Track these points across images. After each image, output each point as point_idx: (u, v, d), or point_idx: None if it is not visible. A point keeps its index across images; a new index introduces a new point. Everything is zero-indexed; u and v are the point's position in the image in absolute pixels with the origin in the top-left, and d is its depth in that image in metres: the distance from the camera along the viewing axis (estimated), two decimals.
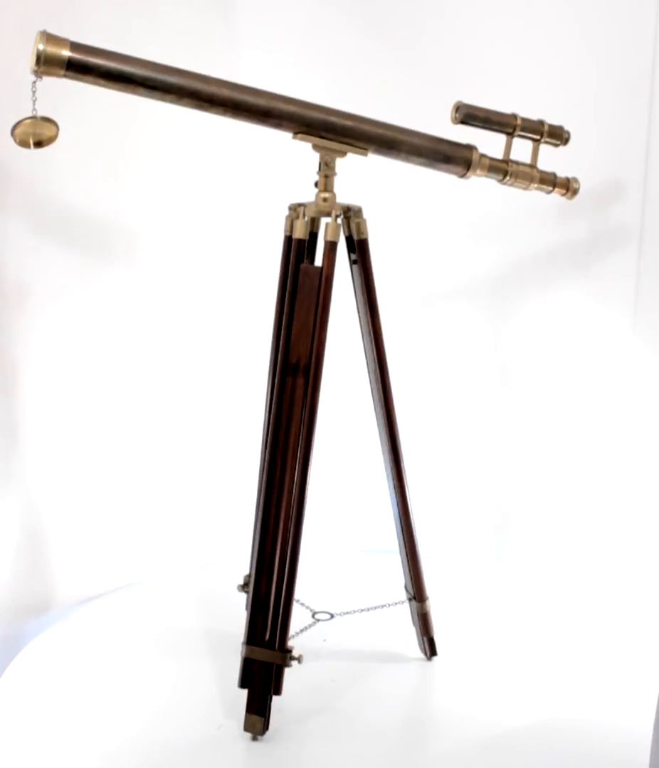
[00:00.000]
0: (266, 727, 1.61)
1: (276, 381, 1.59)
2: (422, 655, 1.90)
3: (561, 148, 1.67)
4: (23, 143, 1.41)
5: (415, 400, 2.29)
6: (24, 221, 1.86)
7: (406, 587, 1.88)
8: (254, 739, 1.61)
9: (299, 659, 1.61)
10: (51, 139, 1.42)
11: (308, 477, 1.59)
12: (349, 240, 1.64)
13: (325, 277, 1.55)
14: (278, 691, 1.61)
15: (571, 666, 1.85)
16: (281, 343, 1.59)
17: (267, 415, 1.76)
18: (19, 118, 1.40)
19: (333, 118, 1.53)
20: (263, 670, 1.61)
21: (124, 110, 1.73)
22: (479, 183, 1.72)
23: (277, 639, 1.60)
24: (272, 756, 1.58)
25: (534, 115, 1.65)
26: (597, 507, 2.12)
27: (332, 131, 1.53)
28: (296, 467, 1.58)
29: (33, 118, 1.40)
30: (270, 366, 1.74)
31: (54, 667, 1.86)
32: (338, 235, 1.57)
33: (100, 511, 2.15)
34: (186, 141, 2.05)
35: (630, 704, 1.70)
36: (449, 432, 2.35)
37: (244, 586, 1.88)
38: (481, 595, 2.20)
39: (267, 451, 1.60)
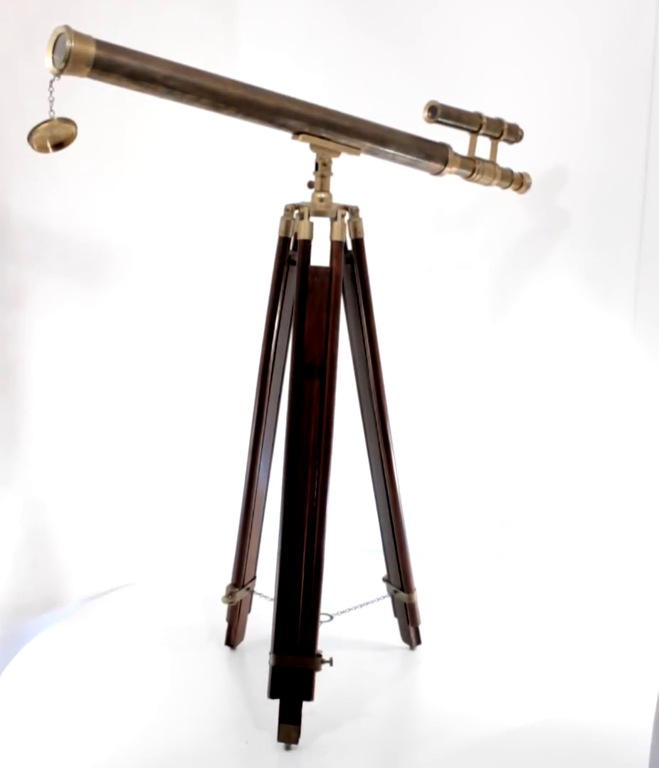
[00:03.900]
0: (298, 735, 1.59)
1: (290, 383, 1.57)
2: (414, 648, 1.93)
3: (560, 147, 1.74)
4: (42, 148, 1.33)
5: (414, 400, 2.31)
6: (23, 221, 1.81)
7: (388, 580, 1.90)
8: (288, 748, 1.58)
9: (330, 662, 1.60)
10: (71, 138, 1.34)
11: (329, 479, 1.58)
12: None
13: (335, 277, 1.56)
14: (310, 697, 1.59)
15: (571, 665, 1.86)
16: (292, 344, 1.57)
17: (256, 417, 1.73)
18: (36, 124, 1.31)
19: (334, 118, 1.55)
20: (294, 677, 1.58)
21: (121, 112, 1.68)
22: (452, 183, 1.77)
23: (307, 644, 1.59)
24: (299, 765, 1.55)
25: (534, 116, 1.72)
26: (597, 507, 2.14)
27: (333, 131, 1.54)
28: (318, 470, 1.57)
29: (49, 121, 1.32)
30: (261, 368, 1.71)
31: (54, 666, 1.81)
32: (344, 234, 1.58)
33: (101, 511, 2.13)
34: (180, 143, 2.05)
35: (630, 704, 1.69)
36: (449, 431, 2.36)
37: (228, 597, 1.84)
38: (481, 593, 2.22)
39: (286, 455, 1.58)
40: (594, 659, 1.88)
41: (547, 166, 1.87)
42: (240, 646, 1.91)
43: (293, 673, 1.58)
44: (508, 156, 1.79)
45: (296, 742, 1.58)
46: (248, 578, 1.86)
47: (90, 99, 1.35)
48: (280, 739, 1.58)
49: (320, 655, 1.59)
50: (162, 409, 2.22)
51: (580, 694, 1.74)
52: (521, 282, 2.17)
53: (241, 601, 1.86)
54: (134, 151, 1.97)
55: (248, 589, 1.87)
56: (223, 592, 1.84)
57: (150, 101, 1.46)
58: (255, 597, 1.91)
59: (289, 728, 1.58)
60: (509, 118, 1.73)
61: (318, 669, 1.59)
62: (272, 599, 1.82)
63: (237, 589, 1.84)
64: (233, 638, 1.90)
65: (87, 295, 1.98)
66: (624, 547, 2.08)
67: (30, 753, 1.52)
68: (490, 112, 1.71)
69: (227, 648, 1.90)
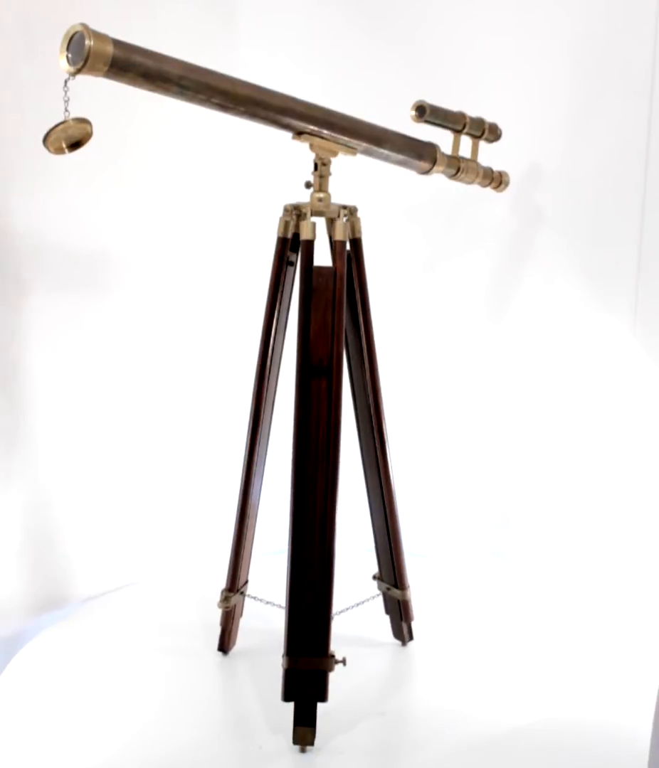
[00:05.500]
0: (314, 737, 1.58)
1: (297, 384, 1.56)
2: (406, 644, 1.94)
3: (559, 147, 1.76)
4: (58, 150, 1.30)
5: (412, 399, 2.31)
6: (24, 221, 1.81)
7: (379, 578, 1.91)
8: (303, 750, 1.57)
9: (343, 662, 1.60)
10: (87, 137, 1.31)
11: (338, 479, 1.58)
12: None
13: (339, 277, 1.56)
14: (324, 698, 1.59)
15: (571, 664, 1.85)
16: (298, 345, 1.56)
17: (252, 421, 1.72)
18: (51, 126, 1.28)
19: (334, 119, 1.56)
20: (308, 679, 1.58)
21: (121, 113, 1.71)
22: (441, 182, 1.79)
23: (320, 645, 1.58)
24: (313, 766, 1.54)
25: (534, 117, 1.73)
26: (597, 506, 2.14)
27: (333, 130, 1.54)
28: (327, 470, 1.57)
29: (63, 122, 1.29)
30: (258, 370, 1.70)
31: (54, 666, 1.82)
32: (346, 234, 1.58)
33: (101, 511, 2.14)
34: (179, 144, 2.06)
35: (630, 704, 1.68)
36: (448, 430, 2.36)
37: (224, 601, 1.82)
38: (479, 592, 2.21)
39: (294, 455, 1.57)
40: (594, 659, 1.88)
41: (548, 165, 1.89)
42: (235, 650, 1.90)
43: (307, 675, 1.57)
44: (511, 156, 1.82)
45: (311, 744, 1.57)
46: (242, 582, 1.85)
47: (90, 100, 1.32)
48: (295, 741, 1.57)
49: (332, 656, 1.59)
50: (161, 412, 2.22)
51: (580, 694, 1.74)
52: (520, 281, 2.19)
53: (235, 605, 1.85)
54: (134, 152, 1.96)
55: (241, 593, 1.86)
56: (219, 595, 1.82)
57: (149, 103, 1.45)
58: (246, 601, 1.89)
59: (304, 731, 1.57)
60: (510, 119, 1.76)
61: (332, 669, 1.58)
62: (267, 602, 1.83)
63: (232, 594, 1.82)
64: (226, 643, 1.88)
65: (87, 295, 1.98)
66: (623, 547, 2.10)
67: (30, 753, 1.51)
68: (489, 112, 1.74)
69: (221, 653, 1.89)
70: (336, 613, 1.81)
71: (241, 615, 1.90)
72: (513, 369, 2.25)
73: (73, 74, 1.26)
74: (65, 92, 1.27)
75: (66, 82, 1.27)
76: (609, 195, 1.99)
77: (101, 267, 1.98)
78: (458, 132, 1.75)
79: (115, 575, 2.19)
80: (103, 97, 1.44)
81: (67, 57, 1.26)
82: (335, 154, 1.58)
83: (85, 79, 1.26)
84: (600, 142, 1.97)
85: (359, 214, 1.65)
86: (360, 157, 1.64)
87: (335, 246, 1.57)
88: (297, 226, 1.61)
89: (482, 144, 1.80)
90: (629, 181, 1.94)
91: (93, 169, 1.86)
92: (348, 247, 1.63)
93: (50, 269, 1.88)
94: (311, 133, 1.53)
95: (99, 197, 1.93)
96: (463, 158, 1.78)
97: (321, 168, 1.58)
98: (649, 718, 1.30)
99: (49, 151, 1.29)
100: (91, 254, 1.95)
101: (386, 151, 1.64)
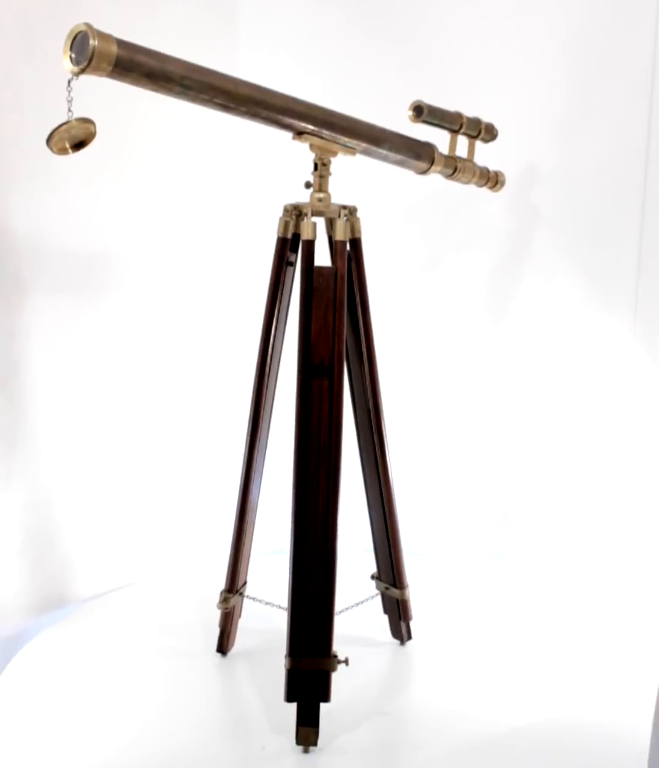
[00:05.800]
0: (317, 737, 1.58)
1: (298, 384, 1.56)
2: (405, 643, 1.94)
3: (560, 147, 1.76)
4: (61, 151, 1.30)
5: (412, 398, 2.31)
6: (24, 221, 1.81)
7: (377, 577, 1.91)
8: (306, 750, 1.57)
9: (345, 662, 1.60)
10: (91, 137, 1.31)
11: (340, 479, 1.58)
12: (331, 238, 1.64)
13: (340, 277, 1.56)
14: (327, 698, 1.58)
15: (570, 664, 1.85)
16: (299, 346, 1.56)
17: (253, 417, 1.71)
18: (54, 127, 1.28)
19: (334, 119, 1.56)
20: (311, 679, 1.57)
21: (122, 113, 1.73)
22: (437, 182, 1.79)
23: (322, 645, 1.58)
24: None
25: (533, 117, 1.73)
26: (597, 506, 2.14)
27: (333, 130, 1.55)
28: (329, 470, 1.57)
29: (66, 123, 1.29)
30: (258, 370, 1.70)
31: (54, 666, 1.81)
32: (347, 234, 1.58)
33: (101, 511, 2.14)
34: (179, 145, 2.07)
35: (630, 703, 1.68)
36: (448, 430, 2.36)
37: (223, 603, 1.82)
38: (478, 592, 2.21)
39: (296, 457, 1.57)
40: (594, 659, 1.88)
41: (547, 165, 1.88)
42: (234, 651, 1.89)
43: (309, 675, 1.57)
44: (511, 156, 1.82)
45: (314, 744, 1.56)
46: (240, 583, 1.84)
47: (90, 100, 1.33)
48: (299, 742, 1.57)
49: (335, 656, 1.59)
50: (161, 412, 2.23)
51: (580, 694, 1.74)
52: (519, 281, 2.19)
53: (233, 606, 1.85)
54: (134, 152, 1.97)
55: (240, 593, 1.85)
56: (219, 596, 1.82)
57: (149, 102, 1.45)
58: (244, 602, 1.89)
59: (307, 731, 1.57)
60: (509, 119, 1.76)
61: (334, 669, 1.58)
62: (267, 603, 1.83)
63: (231, 595, 1.82)
64: (225, 644, 1.88)
65: (87, 296, 1.98)
66: (624, 547, 2.10)
67: (30, 753, 1.51)
68: (489, 112, 1.74)
69: (220, 654, 1.88)
70: (338, 613, 1.82)
71: (240, 616, 1.89)
72: (513, 369, 2.25)
73: (77, 74, 1.26)
74: (69, 92, 1.26)
75: (69, 82, 1.26)
76: (609, 195, 1.99)
77: (101, 267, 1.99)
78: (455, 132, 1.75)
79: (115, 575, 2.19)
80: (103, 97, 1.44)
81: (70, 57, 1.26)
82: (334, 154, 1.58)
83: (85, 79, 1.26)
84: (600, 142, 1.97)
85: (358, 214, 1.64)
86: (359, 157, 1.64)
87: (335, 246, 1.57)
88: (297, 226, 1.61)
89: (481, 144, 1.80)
90: (629, 181, 1.94)
91: (93, 169, 1.86)
92: (348, 247, 1.64)
93: (50, 269, 1.89)
94: (311, 133, 1.53)
95: (99, 197, 1.94)
96: (460, 158, 1.78)
97: (321, 168, 1.58)
98: (649, 718, 1.30)
99: (53, 151, 1.29)
100: (91, 255, 1.95)
101: (384, 151, 1.64)
